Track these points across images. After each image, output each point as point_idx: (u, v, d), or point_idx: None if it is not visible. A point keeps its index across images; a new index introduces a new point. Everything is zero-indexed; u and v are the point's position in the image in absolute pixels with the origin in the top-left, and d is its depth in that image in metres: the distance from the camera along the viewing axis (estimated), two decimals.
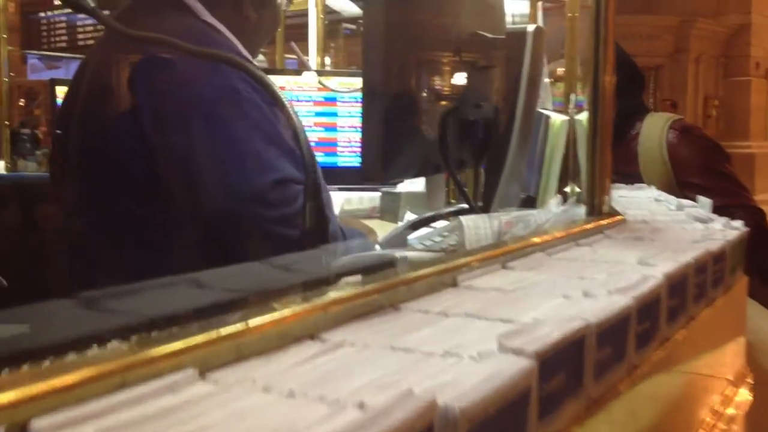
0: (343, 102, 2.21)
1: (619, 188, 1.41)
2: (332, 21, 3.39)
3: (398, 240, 1.41)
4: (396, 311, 0.54)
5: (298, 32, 2.99)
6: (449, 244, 1.22)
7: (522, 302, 0.56)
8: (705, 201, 1.18)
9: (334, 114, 2.22)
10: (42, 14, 5.79)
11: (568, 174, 1.40)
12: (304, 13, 2.80)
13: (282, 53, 2.99)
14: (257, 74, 0.89)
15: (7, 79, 3.56)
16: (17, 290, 1.59)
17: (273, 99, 0.88)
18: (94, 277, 1.21)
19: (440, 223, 1.44)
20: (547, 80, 1.83)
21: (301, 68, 2.53)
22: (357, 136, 2.17)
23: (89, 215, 1.24)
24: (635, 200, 1.35)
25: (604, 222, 0.95)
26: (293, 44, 2.82)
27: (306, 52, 2.73)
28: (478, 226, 1.07)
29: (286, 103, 0.91)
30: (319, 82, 2.20)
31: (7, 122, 3.58)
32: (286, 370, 0.40)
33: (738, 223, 1.00)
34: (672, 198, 1.34)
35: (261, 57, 2.71)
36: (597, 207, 1.00)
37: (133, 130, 1.16)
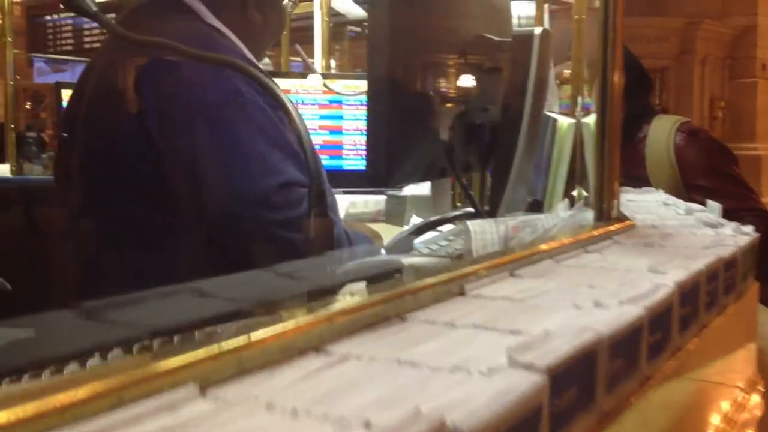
0: (349, 105, 2.20)
1: (626, 192, 1.39)
2: (337, 23, 3.38)
3: (404, 244, 1.40)
4: (402, 321, 0.53)
5: (303, 35, 2.98)
6: (455, 249, 1.21)
7: (531, 312, 0.55)
8: (714, 205, 1.16)
9: (340, 117, 2.21)
10: (48, 17, 5.80)
11: (575, 177, 1.38)
12: (309, 16, 2.80)
13: (287, 56, 2.98)
14: (261, 79, 0.88)
15: (12, 83, 3.56)
16: (22, 294, 1.58)
17: (277, 103, 0.87)
18: (99, 280, 1.20)
19: (446, 227, 1.43)
20: (554, 83, 1.82)
21: (306, 71, 2.52)
22: (362, 139, 2.16)
23: (94, 218, 1.24)
24: (643, 204, 1.34)
25: (612, 228, 0.93)
26: (298, 47, 2.81)
27: (311, 55, 2.72)
28: (484, 231, 1.06)
29: (290, 106, 0.90)
30: (324, 85, 2.19)
31: (12, 125, 3.58)
32: (289, 385, 0.39)
33: (749, 229, 0.99)
34: (681, 202, 1.33)
35: (266, 60, 2.70)
36: (606, 212, 0.99)
37: (138, 133, 1.16)
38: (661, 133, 2.16)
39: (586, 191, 1.31)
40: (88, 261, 1.25)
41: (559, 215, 1.15)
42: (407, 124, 1.11)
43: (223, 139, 1.15)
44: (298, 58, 2.94)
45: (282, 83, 2.10)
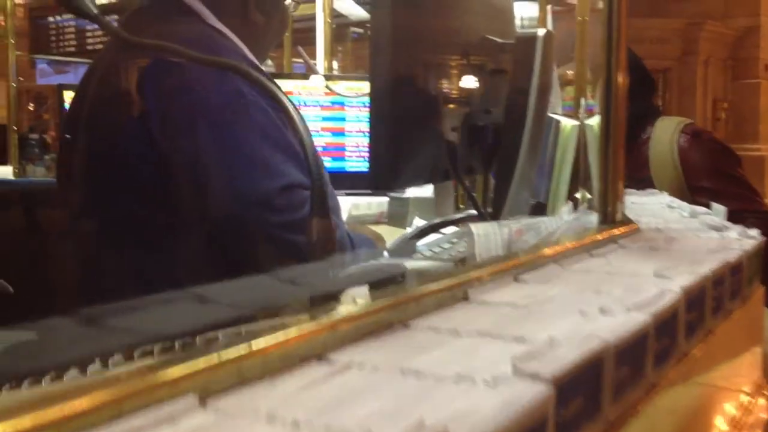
0: (351, 106, 2.20)
1: (630, 194, 1.39)
2: (340, 25, 3.37)
3: (406, 247, 1.39)
4: (406, 328, 0.52)
5: (305, 36, 2.97)
6: (458, 251, 1.20)
7: (536, 319, 0.54)
8: (719, 208, 1.16)
9: (342, 119, 2.21)
10: (51, 19, 5.80)
11: (578, 179, 1.38)
12: (312, 18, 2.79)
13: (290, 57, 2.97)
14: (263, 82, 0.87)
15: (15, 84, 3.55)
16: (25, 297, 1.58)
17: (279, 106, 0.86)
18: (101, 282, 1.20)
19: (449, 229, 1.42)
20: (557, 84, 1.81)
21: (308, 72, 2.51)
22: (365, 141, 2.16)
23: (96, 220, 1.24)
24: (648, 207, 1.33)
25: (617, 231, 0.92)
26: (300, 49, 2.81)
27: (314, 56, 2.71)
28: (487, 234, 1.05)
29: (291, 109, 0.90)
30: (327, 87, 2.18)
31: (15, 127, 3.58)
32: (291, 395, 0.38)
33: (754, 232, 0.98)
34: (685, 204, 1.32)
35: (268, 62, 2.70)
36: (610, 215, 0.98)
37: (140, 135, 1.15)
38: (665, 134, 2.15)
39: (590, 193, 1.30)
40: (89, 263, 1.24)
41: (563, 218, 1.14)
42: (410, 126, 1.10)
43: (226, 141, 1.15)
44: (301, 60, 2.94)
45: (284, 85, 2.10)
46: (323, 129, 2.20)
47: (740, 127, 6.64)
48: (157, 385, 0.36)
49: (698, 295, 0.67)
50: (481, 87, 1.23)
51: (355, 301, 0.51)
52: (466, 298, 0.60)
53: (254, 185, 1.13)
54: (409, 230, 1.58)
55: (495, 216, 1.27)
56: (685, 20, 6.27)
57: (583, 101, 1.86)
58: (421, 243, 1.40)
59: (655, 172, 2.14)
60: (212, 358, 0.38)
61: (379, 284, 0.80)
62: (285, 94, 1.38)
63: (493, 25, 1.29)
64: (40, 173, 3.72)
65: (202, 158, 1.13)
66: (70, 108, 1.41)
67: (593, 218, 1.04)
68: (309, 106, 2.18)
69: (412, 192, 1.92)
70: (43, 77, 6.57)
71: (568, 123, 1.46)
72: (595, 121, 1.26)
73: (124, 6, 3.86)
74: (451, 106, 1.20)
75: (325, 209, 0.90)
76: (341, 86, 2.21)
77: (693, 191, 2.10)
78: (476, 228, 1.04)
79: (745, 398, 0.97)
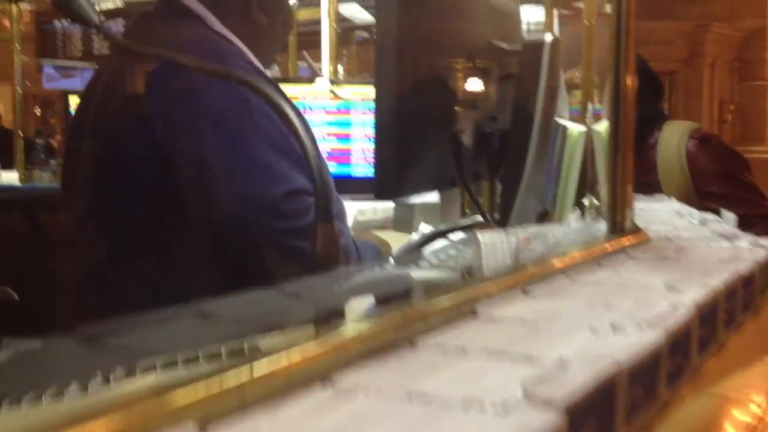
0: (357, 111, 2.18)
1: (638, 200, 1.37)
2: (345, 28, 3.37)
3: (412, 254, 1.38)
4: (412, 347, 0.51)
5: (311, 39, 2.97)
6: (465, 259, 1.19)
7: (546, 336, 0.53)
8: (729, 216, 1.14)
9: (348, 124, 2.19)
10: (57, 24, 5.82)
11: (585, 185, 1.36)
12: (317, 22, 2.78)
13: (295, 61, 2.97)
14: (266, 93, 0.86)
15: (20, 90, 3.56)
16: (30, 304, 1.57)
17: (282, 117, 0.85)
18: (106, 288, 1.19)
19: (455, 235, 1.41)
20: (564, 89, 1.80)
21: (314, 77, 2.50)
22: (371, 146, 2.14)
23: (101, 225, 1.23)
24: (656, 213, 1.31)
25: (627, 241, 0.91)
26: (305, 53, 2.80)
27: (319, 60, 2.70)
28: (494, 243, 1.04)
29: (295, 120, 0.88)
30: (331, 91, 2.17)
31: (21, 133, 3.58)
32: (293, 423, 0.37)
33: (765, 241, 0.97)
34: (694, 211, 1.30)
35: (274, 66, 2.68)
36: (619, 223, 0.96)
37: (146, 141, 1.15)
38: (673, 138, 2.14)
39: (597, 199, 1.29)
40: (93, 270, 1.24)
41: (571, 226, 1.13)
42: (416, 132, 1.09)
43: (230, 147, 1.14)
44: (307, 63, 2.93)
45: (289, 89, 2.09)
46: (329, 134, 2.19)
47: (747, 129, 6.62)
48: (156, 413, 0.35)
49: (711, 309, 0.65)
50: (488, 93, 1.22)
51: (359, 319, 0.50)
52: (474, 313, 0.59)
53: (259, 191, 1.13)
54: (414, 236, 1.57)
55: (502, 223, 1.26)
56: (692, 22, 6.26)
57: (590, 107, 1.85)
58: (428, 250, 1.39)
59: (663, 176, 2.13)
60: (213, 384, 0.37)
61: (385, 297, 0.78)
62: (290, 99, 1.37)
63: (499, 30, 1.28)
64: (46, 178, 3.72)
65: (207, 164, 1.13)
66: (75, 114, 1.41)
67: (602, 226, 1.02)
68: (314, 110, 2.17)
69: (417, 197, 1.91)
70: (50, 82, 6.60)
71: (575, 129, 1.45)
72: (602, 127, 1.24)
73: (130, 10, 3.88)
74: (458, 111, 1.19)
75: (330, 215, 0.89)
76: (347, 91, 2.20)
77: (701, 196, 2.09)
78: (483, 237, 1.03)
79: (758, 409, 0.95)
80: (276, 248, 1.13)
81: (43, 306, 1.33)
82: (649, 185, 2.04)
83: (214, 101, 1.15)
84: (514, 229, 1.06)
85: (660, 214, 1.32)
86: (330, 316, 0.54)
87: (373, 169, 1.06)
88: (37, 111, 8.95)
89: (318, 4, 2.65)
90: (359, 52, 4.49)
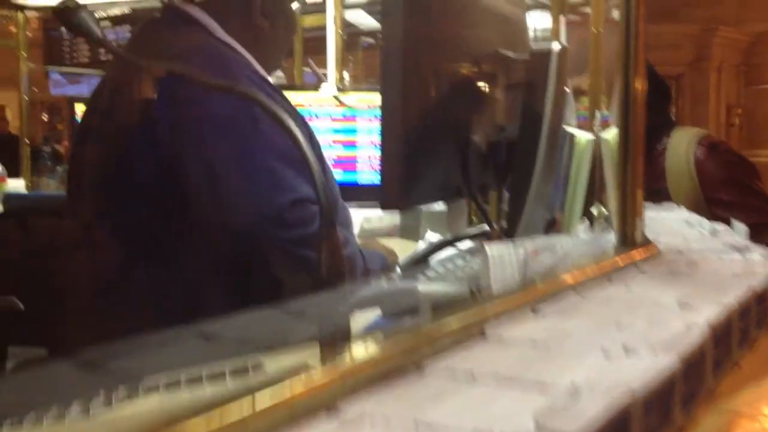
0: (363, 118, 2.17)
1: (647, 208, 1.35)
2: (351, 34, 3.36)
3: (419, 263, 1.37)
4: (420, 372, 0.49)
5: (316, 45, 2.96)
6: (472, 269, 1.18)
7: (557, 359, 0.52)
8: (740, 227, 1.13)
9: (354, 131, 2.18)
10: (64, 30, 5.83)
11: (593, 194, 1.35)
12: (323, 28, 2.78)
13: (301, 68, 2.96)
14: (268, 107, 0.85)
15: (27, 97, 3.55)
16: (35, 313, 1.57)
17: (286, 132, 0.84)
18: (112, 295, 1.19)
19: (462, 243, 1.40)
20: (570, 96, 1.79)
21: (319, 83, 2.49)
22: (377, 153, 2.13)
23: (106, 231, 1.22)
24: (666, 223, 1.30)
25: (637, 255, 0.90)
26: (310, 61, 2.79)
27: (324, 65, 2.70)
28: (502, 256, 1.02)
29: (298, 133, 0.87)
30: (335, 97, 2.16)
31: (27, 140, 3.57)
32: None
33: None
34: (704, 221, 1.29)
35: (279, 72, 2.68)
36: (629, 236, 0.95)
37: (151, 148, 1.15)
38: (681, 146, 2.12)
39: (605, 208, 1.27)
40: (96, 277, 1.23)
41: (579, 237, 1.11)
42: (422, 142, 1.08)
43: (235, 156, 1.14)
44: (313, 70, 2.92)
45: (295, 97, 2.08)
46: (335, 141, 2.18)
47: (754, 133, 6.59)
48: None
49: (725, 329, 0.64)
50: (495, 102, 1.21)
51: (367, 342, 0.49)
52: (482, 333, 0.58)
53: (264, 200, 1.12)
54: (421, 244, 1.56)
55: (510, 233, 1.25)
56: (698, 26, 6.23)
57: (598, 114, 1.83)
58: (435, 260, 1.37)
59: (672, 183, 2.11)
60: (213, 420, 0.36)
61: (392, 311, 0.77)
62: (294, 108, 1.36)
63: (506, 39, 1.26)
64: (53, 186, 3.71)
65: (212, 172, 1.13)
66: (81, 120, 1.41)
67: (611, 237, 1.01)
68: (320, 118, 2.16)
69: (424, 205, 1.90)
70: (57, 88, 6.60)
71: (582, 137, 1.43)
72: (610, 135, 1.23)
73: (137, 16, 3.88)
74: (464, 121, 1.18)
75: (335, 224, 0.88)
76: (353, 98, 2.19)
77: (710, 203, 2.07)
78: (491, 249, 1.02)
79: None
80: (282, 257, 1.12)
81: (49, 314, 1.32)
82: (658, 193, 2.02)
83: (219, 110, 1.14)
84: (522, 241, 1.05)
85: (669, 223, 1.30)
86: (336, 338, 0.53)
87: (379, 177, 1.05)
88: (45, 117, 8.98)
89: (323, 11, 2.64)
90: (365, 57, 4.49)
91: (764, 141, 6.48)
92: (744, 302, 0.70)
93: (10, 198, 2.92)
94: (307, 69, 3.00)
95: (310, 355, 0.48)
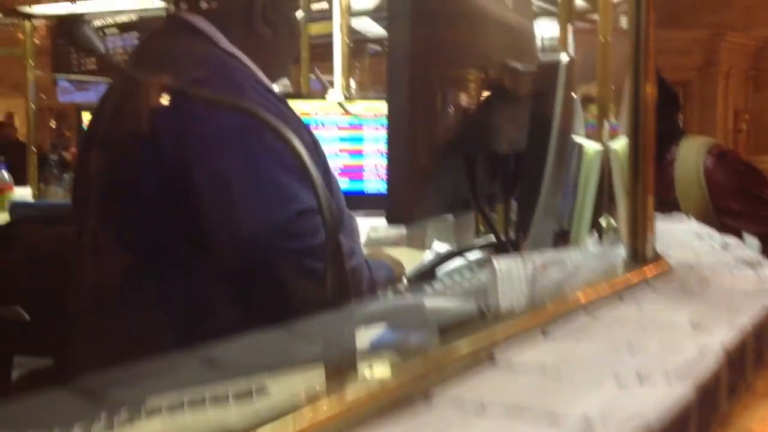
0: (369, 127, 2.17)
1: (657, 219, 1.34)
2: (357, 41, 3.36)
3: (425, 275, 1.36)
4: (427, 401, 0.48)
5: (323, 52, 2.96)
6: (480, 281, 1.17)
7: (568, 387, 0.51)
8: (752, 242, 1.11)
9: (360, 139, 2.18)
10: None
11: (602, 205, 1.34)
12: (329, 36, 2.77)
13: (307, 76, 2.96)
14: (269, 122, 0.84)
15: (34, 105, 3.56)
16: (41, 323, 1.56)
17: (288, 147, 0.83)
18: (117, 305, 1.18)
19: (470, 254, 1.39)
20: (579, 105, 1.77)
21: (325, 91, 2.49)
22: (384, 162, 2.12)
23: (110, 241, 1.22)
24: (675, 235, 1.28)
25: (648, 272, 0.88)
26: (316, 69, 2.79)
27: (331, 73, 2.69)
28: (510, 270, 1.01)
29: (300, 148, 0.86)
30: (340, 104, 2.16)
31: (34, 148, 3.58)
32: None
33: None
34: (715, 234, 1.27)
35: (285, 81, 2.68)
36: (640, 252, 0.93)
37: (156, 160, 1.14)
38: (690, 155, 2.11)
39: (615, 220, 1.26)
40: (102, 286, 1.23)
41: (588, 250, 1.10)
42: (429, 154, 1.07)
43: (240, 166, 1.13)
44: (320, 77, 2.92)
45: (301, 106, 2.07)
46: (341, 150, 2.17)
47: (762, 138, 6.57)
48: None
49: (739, 353, 0.63)
50: (503, 113, 1.20)
51: (373, 372, 0.48)
52: (491, 359, 0.57)
53: (270, 210, 1.11)
54: (428, 254, 1.54)
55: (518, 245, 1.23)
56: (707, 31, 6.22)
57: (606, 125, 1.82)
58: (441, 271, 1.36)
59: (681, 193, 2.10)
60: None
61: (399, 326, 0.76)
62: (298, 118, 1.35)
63: (514, 50, 1.25)
64: (60, 194, 3.71)
65: (216, 183, 1.12)
66: (87, 129, 1.40)
67: (620, 251, 0.99)
68: (326, 126, 2.16)
69: None
70: (65, 95, 6.62)
71: (591, 147, 1.42)
72: (619, 145, 1.22)
73: (144, 24, 3.88)
74: (472, 132, 1.17)
75: (338, 240, 0.87)
76: (359, 106, 2.18)
77: (720, 213, 2.06)
78: (498, 264, 1.00)
79: None
80: (288, 267, 1.11)
81: (54, 324, 1.32)
82: (668, 203, 2.01)
83: (224, 121, 1.13)
84: (531, 255, 1.03)
85: (679, 235, 1.29)
86: (342, 363, 0.52)
87: (386, 186, 1.04)
88: (53, 124, 9.02)
89: (330, 18, 2.64)
90: (372, 64, 4.48)
91: None
92: (758, 324, 0.69)
93: (17, 206, 2.92)
94: (313, 77, 3.00)
95: (315, 378, 0.47)
